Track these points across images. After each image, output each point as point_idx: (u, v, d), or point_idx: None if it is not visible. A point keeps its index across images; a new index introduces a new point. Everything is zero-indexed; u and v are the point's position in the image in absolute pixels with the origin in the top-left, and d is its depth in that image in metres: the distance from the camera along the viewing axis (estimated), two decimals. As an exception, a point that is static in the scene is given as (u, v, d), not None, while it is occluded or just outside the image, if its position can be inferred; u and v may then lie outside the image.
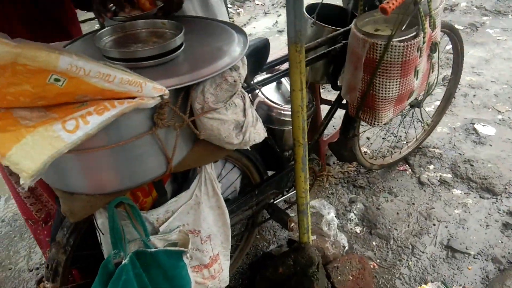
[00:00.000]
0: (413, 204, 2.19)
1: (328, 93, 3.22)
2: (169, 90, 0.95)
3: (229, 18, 2.23)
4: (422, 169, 2.41)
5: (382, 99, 1.58)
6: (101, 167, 0.98)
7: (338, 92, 1.80)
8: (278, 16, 5.01)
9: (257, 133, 1.23)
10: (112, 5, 1.26)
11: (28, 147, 0.75)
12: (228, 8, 2.75)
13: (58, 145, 0.77)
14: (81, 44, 1.21)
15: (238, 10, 5.18)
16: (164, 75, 1.00)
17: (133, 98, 0.91)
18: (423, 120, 2.42)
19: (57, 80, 0.83)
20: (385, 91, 1.56)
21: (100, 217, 1.11)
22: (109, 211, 1.06)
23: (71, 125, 0.80)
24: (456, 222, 2.06)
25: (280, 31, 4.65)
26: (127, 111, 0.88)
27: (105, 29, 1.16)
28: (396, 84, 1.55)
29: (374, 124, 1.67)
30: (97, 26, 2.84)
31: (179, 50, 1.09)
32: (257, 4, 5.32)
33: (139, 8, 1.27)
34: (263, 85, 1.55)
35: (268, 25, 4.78)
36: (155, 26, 1.21)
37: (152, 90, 0.92)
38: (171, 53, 1.06)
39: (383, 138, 2.60)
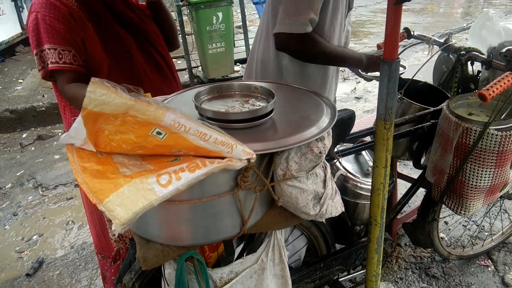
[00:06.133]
0: (496, 308, 1.92)
1: (404, 167, 3.09)
2: (256, 154, 0.97)
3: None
4: (507, 268, 2.13)
5: (472, 187, 1.46)
6: (180, 220, 1.00)
7: (421, 171, 1.71)
8: (357, 83, 5.05)
9: (335, 206, 1.18)
10: None
11: (123, 196, 0.80)
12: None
13: (151, 198, 0.81)
14: (179, 99, 1.30)
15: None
16: (252, 139, 1.02)
17: (223, 158, 0.93)
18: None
19: (159, 133, 0.89)
20: (477, 179, 1.44)
21: (169, 267, 1.12)
22: (179, 263, 1.07)
23: (164, 179, 0.84)
24: None
25: (357, 98, 4.67)
26: (216, 170, 0.90)
27: (203, 88, 1.24)
28: (489, 174, 1.43)
29: (460, 212, 1.54)
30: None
31: (269, 116, 1.12)
32: (337, 70, 5.43)
33: None
34: (343, 155, 1.53)
35: (346, 90, 4.83)
36: (249, 89, 1.27)
37: (242, 152, 0.94)
38: (261, 118, 1.10)
39: (463, 226, 2.38)
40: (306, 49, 1.47)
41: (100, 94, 0.79)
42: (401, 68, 1.64)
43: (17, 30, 6.37)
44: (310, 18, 1.40)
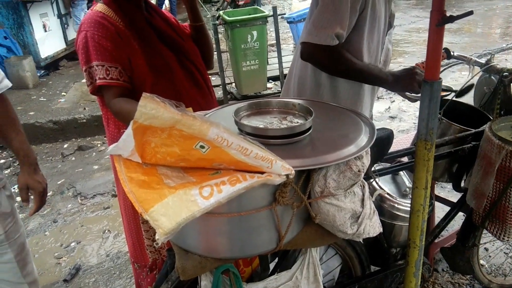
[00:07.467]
0: None
1: (441, 190, 2.99)
2: (294, 170, 0.98)
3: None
4: (554, 300, 2.00)
5: (516, 212, 1.40)
6: (219, 232, 1.02)
7: (461, 194, 1.66)
8: (392, 102, 4.98)
9: (373, 226, 1.17)
10: None
11: (168, 206, 0.83)
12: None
13: (193, 209, 0.83)
14: (218, 115, 1.33)
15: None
16: (291, 155, 1.03)
17: (262, 173, 0.95)
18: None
19: (202, 147, 0.93)
20: (522, 204, 1.38)
21: (205, 279, 1.13)
22: (215, 275, 1.08)
23: (207, 191, 0.87)
24: None
25: (392, 117, 4.59)
26: (256, 185, 0.92)
27: (243, 104, 1.27)
28: (535, 199, 1.37)
29: (503, 238, 1.47)
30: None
31: (308, 133, 1.13)
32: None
33: None
34: (381, 175, 1.51)
35: (380, 109, 4.76)
36: (287, 107, 1.29)
37: (281, 168, 0.95)
38: (299, 134, 1.11)
39: (505, 253, 2.27)
40: (330, 63, 1.49)
41: (151, 108, 0.84)
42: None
43: (62, 45, 6.73)
44: (337, 32, 1.42)
